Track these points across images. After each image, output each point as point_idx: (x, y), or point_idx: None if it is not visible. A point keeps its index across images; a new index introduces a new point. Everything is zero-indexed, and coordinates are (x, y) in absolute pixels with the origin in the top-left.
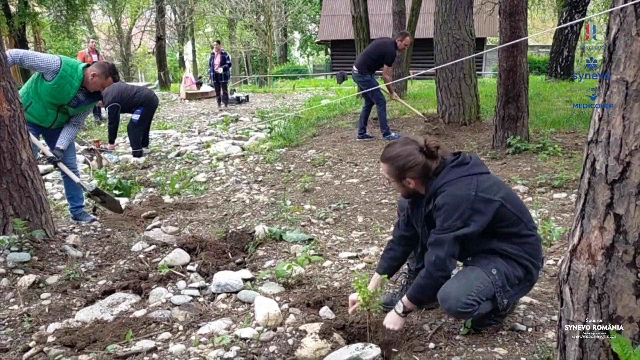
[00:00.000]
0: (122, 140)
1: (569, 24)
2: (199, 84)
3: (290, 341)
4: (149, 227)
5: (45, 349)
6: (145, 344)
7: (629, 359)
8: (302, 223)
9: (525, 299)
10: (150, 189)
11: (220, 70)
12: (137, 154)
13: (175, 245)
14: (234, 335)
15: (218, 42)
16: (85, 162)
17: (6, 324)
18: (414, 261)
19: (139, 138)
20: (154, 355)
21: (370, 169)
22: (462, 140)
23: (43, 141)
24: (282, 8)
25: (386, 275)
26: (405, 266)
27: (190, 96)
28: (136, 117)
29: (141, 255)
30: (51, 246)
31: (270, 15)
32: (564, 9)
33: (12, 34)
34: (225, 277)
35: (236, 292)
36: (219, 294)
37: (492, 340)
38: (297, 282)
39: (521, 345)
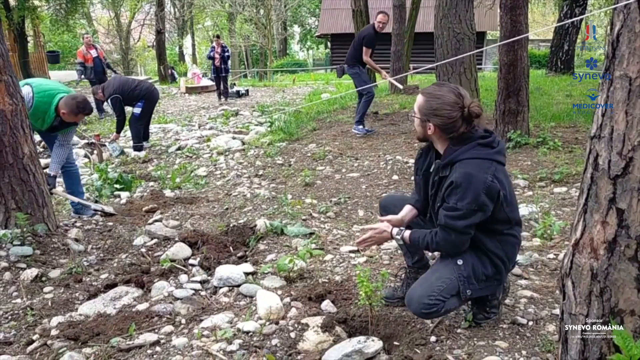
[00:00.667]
0: (122, 135)
1: (569, 20)
2: (205, 75)
3: (292, 334)
4: (150, 221)
5: (49, 342)
6: (148, 337)
7: (630, 352)
8: (303, 217)
9: (526, 292)
10: (151, 183)
11: (221, 63)
12: (137, 148)
13: (176, 239)
14: (237, 328)
15: (217, 36)
16: (85, 156)
17: (9, 317)
18: (409, 257)
19: (140, 132)
20: (157, 349)
21: (370, 163)
22: None
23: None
24: (281, 2)
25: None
26: (404, 263)
27: (190, 90)
28: (138, 110)
29: (143, 249)
30: (53, 240)
31: (270, 9)
32: (565, 2)
33: (11, 28)
34: (227, 271)
35: (238, 286)
36: (220, 287)
37: (493, 334)
38: (299, 275)
39: (522, 339)
